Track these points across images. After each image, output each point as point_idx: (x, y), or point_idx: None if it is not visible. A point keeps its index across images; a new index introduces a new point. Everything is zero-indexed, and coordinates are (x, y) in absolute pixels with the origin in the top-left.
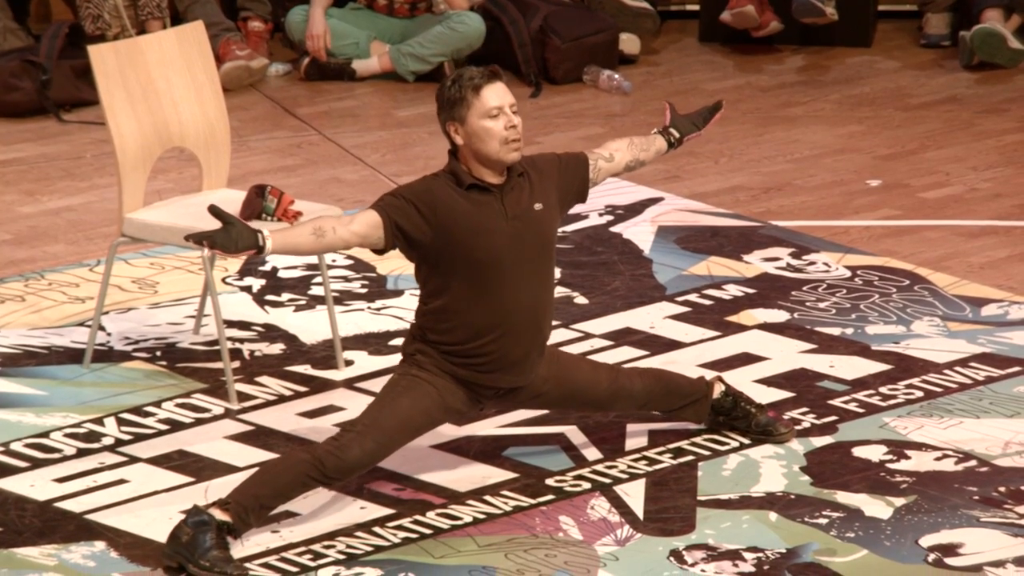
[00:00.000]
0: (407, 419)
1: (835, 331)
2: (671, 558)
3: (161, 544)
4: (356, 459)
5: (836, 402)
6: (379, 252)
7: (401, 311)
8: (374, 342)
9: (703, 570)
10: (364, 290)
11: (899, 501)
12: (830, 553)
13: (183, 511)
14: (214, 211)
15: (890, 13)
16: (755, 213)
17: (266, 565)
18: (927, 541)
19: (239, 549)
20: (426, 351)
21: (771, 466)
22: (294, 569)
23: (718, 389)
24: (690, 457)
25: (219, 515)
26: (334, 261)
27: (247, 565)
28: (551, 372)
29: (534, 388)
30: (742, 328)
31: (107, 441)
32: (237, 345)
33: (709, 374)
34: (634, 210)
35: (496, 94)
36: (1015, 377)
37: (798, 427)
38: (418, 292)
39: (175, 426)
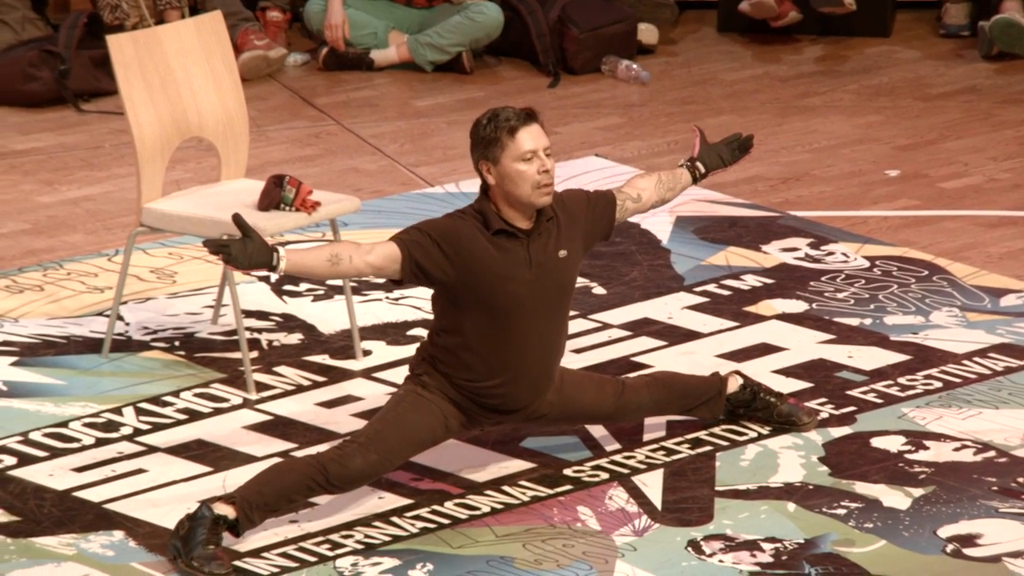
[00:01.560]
0: (411, 434)
1: (854, 321)
2: (689, 548)
3: None
4: (358, 469)
5: (855, 392)
6: (396, 283)
7: (419, 301)
8: (392, 332)
9: (721, 560)
10: (382, 280)
11: (917, 492)
12: (848, 544)
13: (200, 501)
14: (237, 221)
15: (909, 3)
16: (773, 203)
17: (284, 555)
18: (945, 532)
19: (257, 538)
20: (434, 376)
21: (789, 456)
22: (312, 559)
23: (736, 383)
24: (708, 447)
25: (222, 509)
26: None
27: (266, 555)
28: (555, 396)
29: (537, 412)
30: (760, 318)
31: (125, 431)
32: (255, 335)
33: (726, 368)
34: None
35: (531, 137)
36: None
37: (816, 417)
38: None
39: (193, 416)
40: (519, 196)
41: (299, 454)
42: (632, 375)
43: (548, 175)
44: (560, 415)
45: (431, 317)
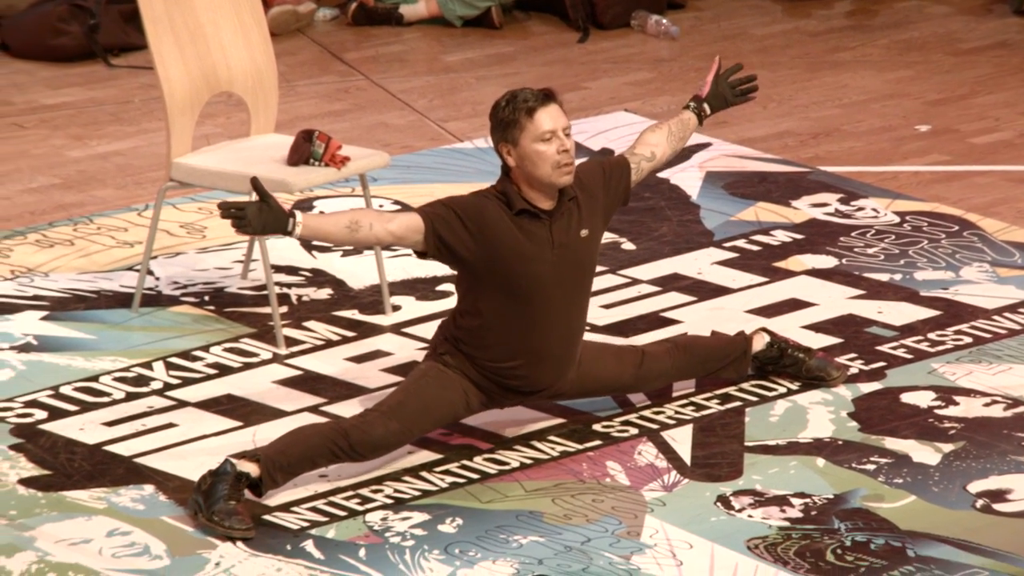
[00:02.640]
0: (432, 407)
1: (883, 277)
2: (718, 504)
3: None
4: (380, 436)
5: (884, 348)
6: (419, 255)
7: None
8: (421, 287)
9: (750, 515)
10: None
11: (947, 447)
12: (878, 499)
13: (233, 456)
14: (255, 185)
15: None
16: (803, 159)
17: (314, 509)
18: (975, 487)
19: (287, 493)
20: (456, 356)
21: (819, 412)
22: (342, 513)
23: (763, 340)
24: (737, 403)
25: (246, 467)
26: (381, 206)
27: (296, 509)
28: (575, 373)
29: (558, 391)
30: (790, 274)
31: (156, 385)
32: (285, 290)
33: (754, 325)
34: (682, 156)
35: (550, 117)
36: None
37: (846, 373)
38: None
39: (223, 370)
40: (540, 177)
41: (329, 409)
42: (652, 342)
43: (568, 155)
44: (580, 391)
45: (447, 324)
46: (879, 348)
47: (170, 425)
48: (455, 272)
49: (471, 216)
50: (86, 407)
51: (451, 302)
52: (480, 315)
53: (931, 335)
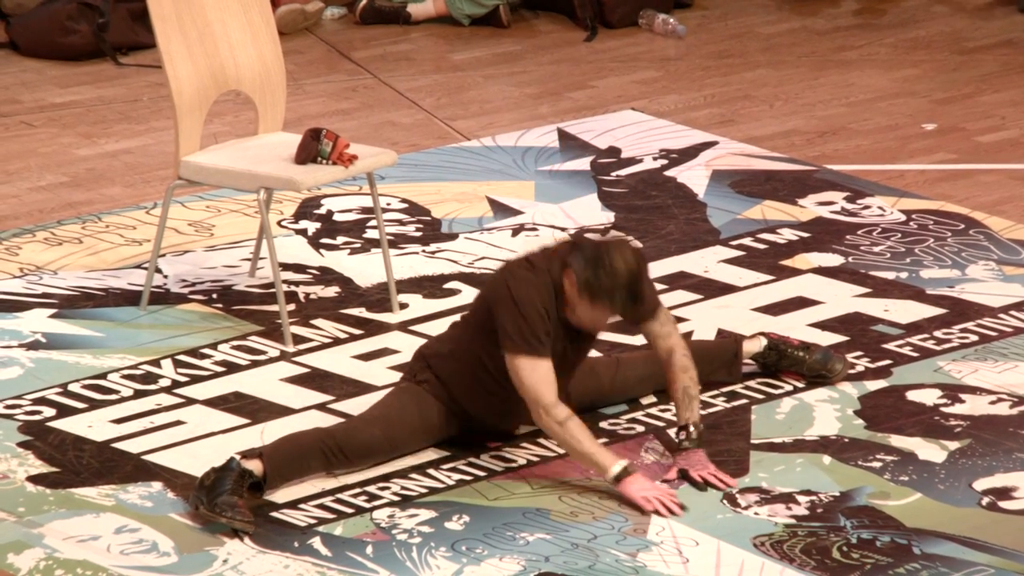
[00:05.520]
0: (412, 421)
1: (890, 275)
2: (724, 501)
3: None
4: (362, 441)
5: (890, 346)
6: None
7: (455, 254)
8: (428, 285)
9: (756, 513)
10: (419, 233)
11: (953, 445)
12: (884, 496)
13: (237, 453)
14: None
15: None
16: (810, 157)
17: (322, 506)
18: (981, 485)
19: (294, 490)
20: (436, 385)
21: (825, 410)
22: (350, 510)
23: (759, 344)
24: (744, 400)
25: (250, 465)
26: (388, 205)
27: (303, 506)
28: None
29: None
30: (796, 272)
31: (164, 383)
32: (292, 288)
33: (759, 325)
34: (688, 154)
35: (616, 315)
36: None
37: (852, 371)
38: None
39: (231, 368)
40: (577, 321)
41: (336, 407)
42: (633, 350)
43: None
44: None
45: (429, 356)
46: (885, 346)
47: (178, 422)
48: (474, 319)
49: (547, 309)
50: (94, 404)
51: (458, 300)
52: (483, 368)
53: (937, 333)
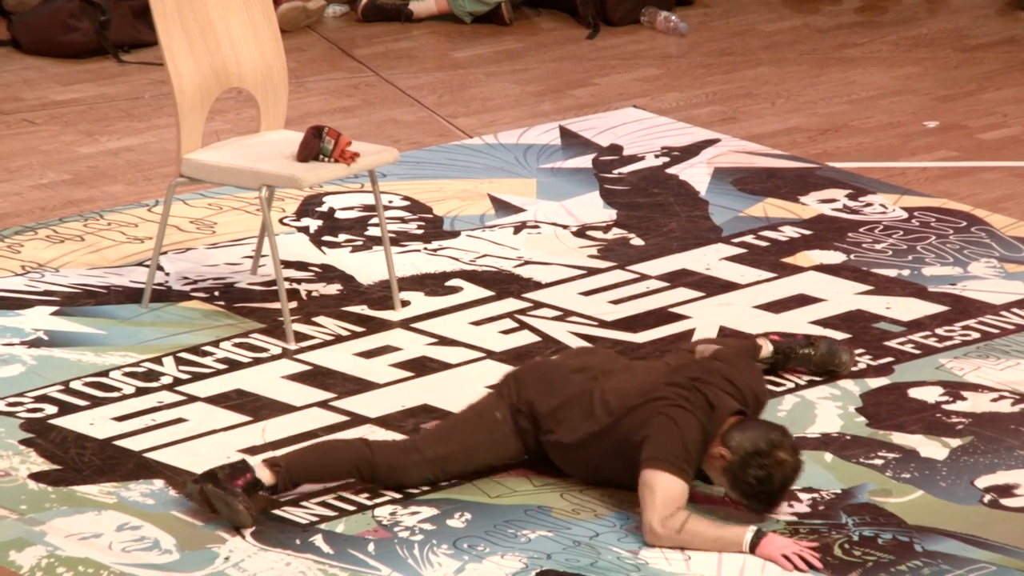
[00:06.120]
0: (476, 459)
1: (891, 272)
2: (727, 498)
3: None
4: (410, 483)
5: (892, 343)
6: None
7: (457, 252)
8: (430, 283)
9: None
10: (420, 231)
11: (955, 442)
12: (885, 494)
13: (240, 450)
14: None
15: None
16: (812, 155)
17: (323, 503)
18: (983, 482)
19: (297, 488)
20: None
21: (826, 407)
22: (351, 508)
23: (768, 350)
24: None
25: (264, 474)
26: (390, 202)
27: (305, 504)
28: None
29: None
30: (798, 270)
31: (165, 380)
32: (294, 285)
33: (761, 322)
34: (690, 151)
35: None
36: None
37: (854, 368)
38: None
39: (233, 366)
40: (710, 477)
41: (338, 404)
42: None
43: None
44: None
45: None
46: (887, 343)
47: (180, 420)
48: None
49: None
50: (96, 402)
51: (459, 298)
52: (604, 473)
53: (939, 330)
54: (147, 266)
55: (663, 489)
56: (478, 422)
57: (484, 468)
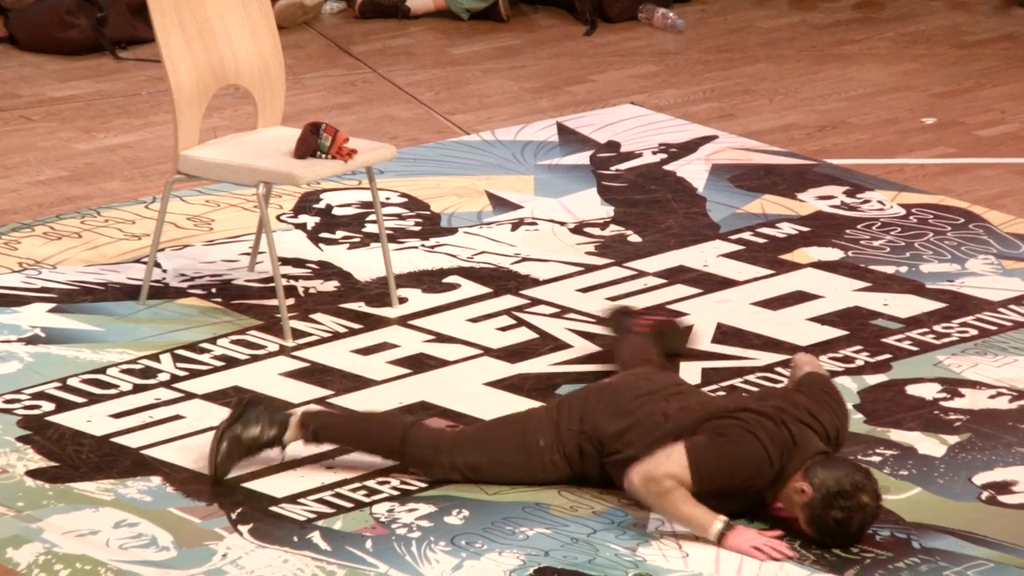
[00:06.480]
0: (506, 475)
1: (889, 269)
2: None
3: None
4: (434, 479)
5: (890, 340)
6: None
7: (455, 249)
8: (428, 280)
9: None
10: (418, 228)
11: (953, 439)
12: (883, 491)
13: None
14: None
15: None
16: (809, 151)
17: (321, 500)
18: (981, 479)
19: (293, 484)
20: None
21: None
22: (349, 505)
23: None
24: (743, 396)
25: (294, 435)
26: (388, 199)
27: (303, 501)
28: None
29: None
30: (796, 266)
31: (163, 377)
32: (292, 282)
33: (759, 319)
34: (688, 148)
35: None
36: None
37: (851, 365)
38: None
39: (230, 362)
40: (775, 503)
41: (335, 401)
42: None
43: None
44: None
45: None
46: (885, 340)
47: (177, 417)
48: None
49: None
50: (93, 399)
51: (456, 295)
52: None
53: (937, 327)
54: (144, 263)
55: (677, 464)
56: (519, 443)
57: (513, 484)
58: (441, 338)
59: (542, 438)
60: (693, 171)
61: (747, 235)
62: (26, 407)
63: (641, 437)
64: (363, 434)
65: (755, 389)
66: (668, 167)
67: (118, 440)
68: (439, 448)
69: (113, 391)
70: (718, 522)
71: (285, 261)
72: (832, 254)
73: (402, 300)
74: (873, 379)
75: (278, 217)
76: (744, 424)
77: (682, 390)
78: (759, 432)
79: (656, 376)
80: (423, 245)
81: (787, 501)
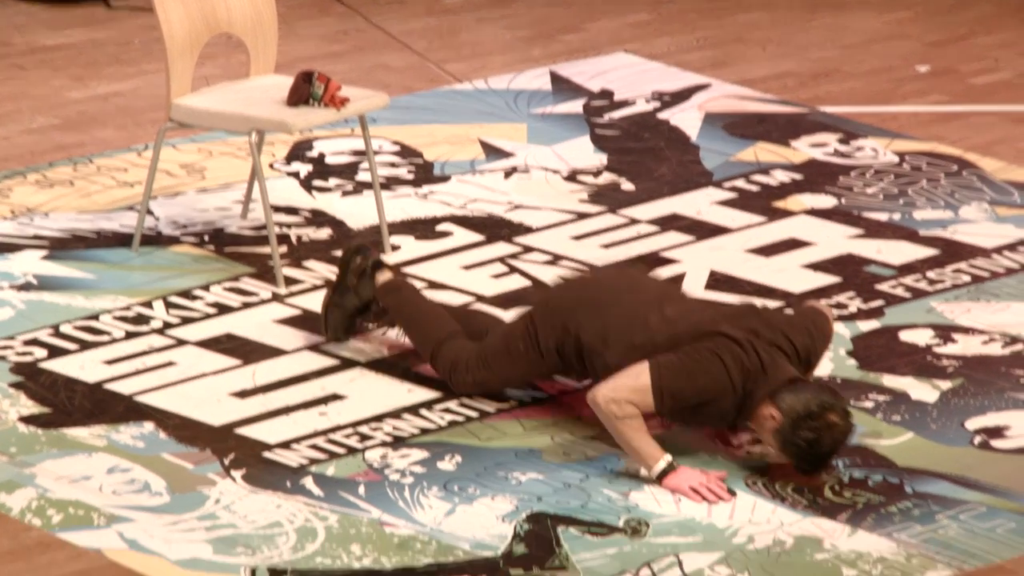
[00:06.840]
0: (512, 382)
1: (882, 216)
2: (717, 440)
3: (208, 426)
4: (457, 392)
5: (883, 287)
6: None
7: (448, 196)
8: (420, 227)
9: (748, 452)
10: (411, 176)
11: (945, 384)
12: (876, 436)
13: (232, 393)
14: None
15: None
16: (803, 99)
17: (314, 446)
18: (973, 424)
19: (286, 430)
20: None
21: None
22: (341, 451)
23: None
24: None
25: (383, 277)
26: (380, 147)
27: (295, 445)
28: None
29: None
30: (789, 214)
31: (155, 324)
32: (284, 230)
33: (752, 266)
34: (681, 96)
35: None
36: None
37: (844, 311)
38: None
39: (223, 309)
40: (750, 428)
41: (329, 348)
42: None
43: None
44: None
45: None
46: (878, 287)
47: (170, 364)
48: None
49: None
50: (86, 345)
51: (449, 242)
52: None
53: (930, 274)
54: (137, 211)
55: (639, 383)
56: (509, 354)
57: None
58: (434, 285)
59: (520, 342)
60: (686, 119)
61: (740, 183)
62: (19, 353)
63: (618, 344)
64: (411, 324)
65: None
66: (661, 115)
67: (111, 386)
68: (456, 368)
69: (106, 338)
70: (662, 461)
71: (278, 209)
72: (825, 201)
73: (395, 247)
74: (866, 325)
75: (271, 165)
76: (713, 347)
77: (670, 295)
78: (726, 357)
79: (644, 274)
80: (416, 193)
81: (759, 427)
